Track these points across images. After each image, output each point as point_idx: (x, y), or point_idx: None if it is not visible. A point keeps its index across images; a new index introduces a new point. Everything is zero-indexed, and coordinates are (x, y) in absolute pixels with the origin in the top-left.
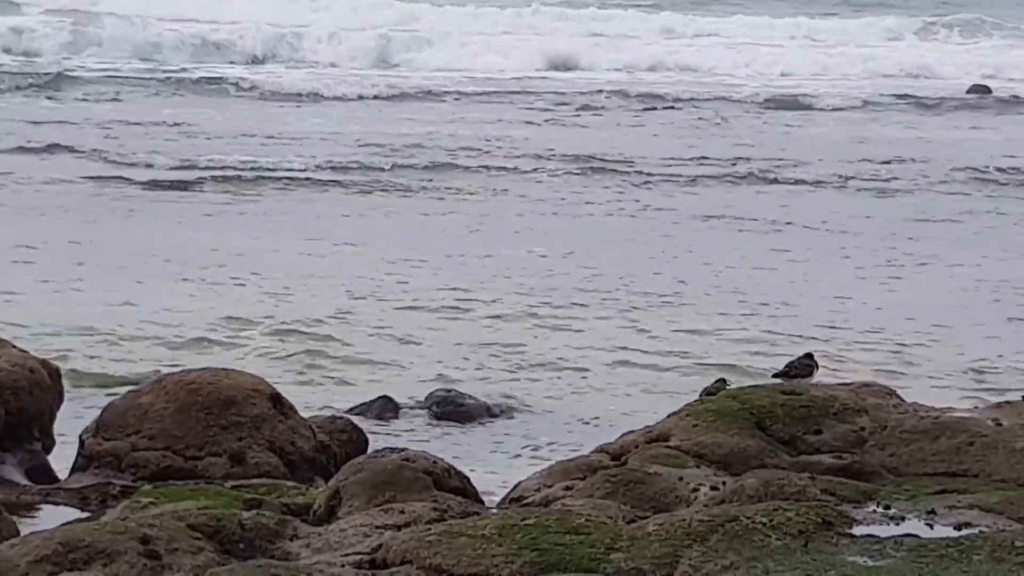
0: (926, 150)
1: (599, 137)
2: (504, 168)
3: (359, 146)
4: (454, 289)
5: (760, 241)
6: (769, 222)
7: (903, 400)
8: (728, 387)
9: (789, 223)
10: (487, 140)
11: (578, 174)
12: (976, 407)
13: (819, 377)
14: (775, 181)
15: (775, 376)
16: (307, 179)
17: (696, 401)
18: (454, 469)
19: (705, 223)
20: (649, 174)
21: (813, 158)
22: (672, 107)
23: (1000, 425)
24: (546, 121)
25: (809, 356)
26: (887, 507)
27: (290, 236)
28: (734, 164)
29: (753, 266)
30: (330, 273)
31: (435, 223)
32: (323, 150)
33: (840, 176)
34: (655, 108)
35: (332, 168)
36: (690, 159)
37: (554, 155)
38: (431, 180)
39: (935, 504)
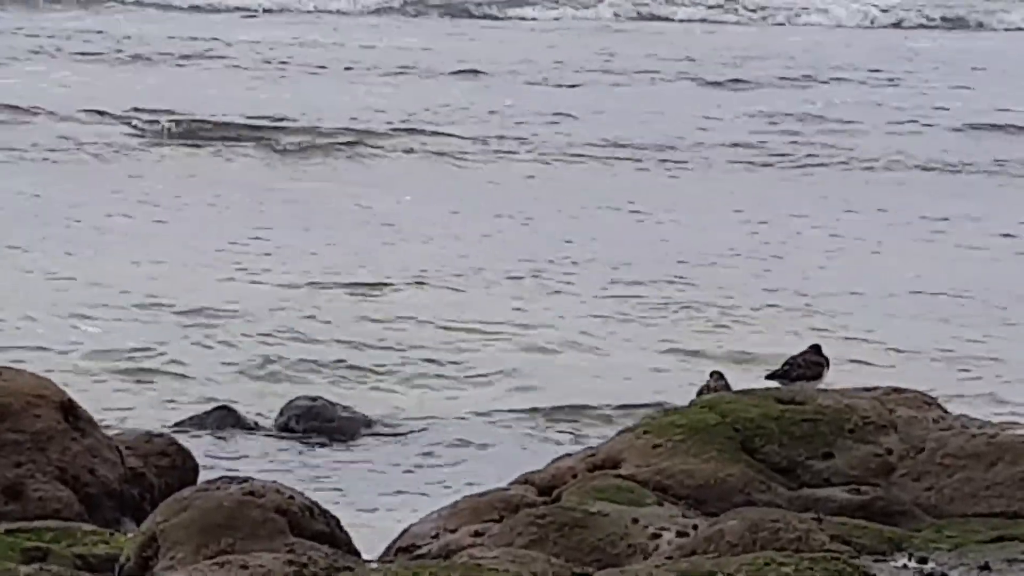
0: None
1: None
2: None
3: None
4: (336, 272)
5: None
6: None
7: (946, 412)
8: (722, 388)
9: None
10: None
11: None
12: None
13: (831, 379)
14: None
15: (770, 377)
16: None
17: (659, 412)
18: (318, 507)
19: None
20: None
21: None
22: None
23: None
24: None
25: (816, 349)
26: (922, 560)
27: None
28: None
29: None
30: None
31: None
32: None
33: None
34: None
35: None
36: None
37: None
38: None
39: (990, 556)
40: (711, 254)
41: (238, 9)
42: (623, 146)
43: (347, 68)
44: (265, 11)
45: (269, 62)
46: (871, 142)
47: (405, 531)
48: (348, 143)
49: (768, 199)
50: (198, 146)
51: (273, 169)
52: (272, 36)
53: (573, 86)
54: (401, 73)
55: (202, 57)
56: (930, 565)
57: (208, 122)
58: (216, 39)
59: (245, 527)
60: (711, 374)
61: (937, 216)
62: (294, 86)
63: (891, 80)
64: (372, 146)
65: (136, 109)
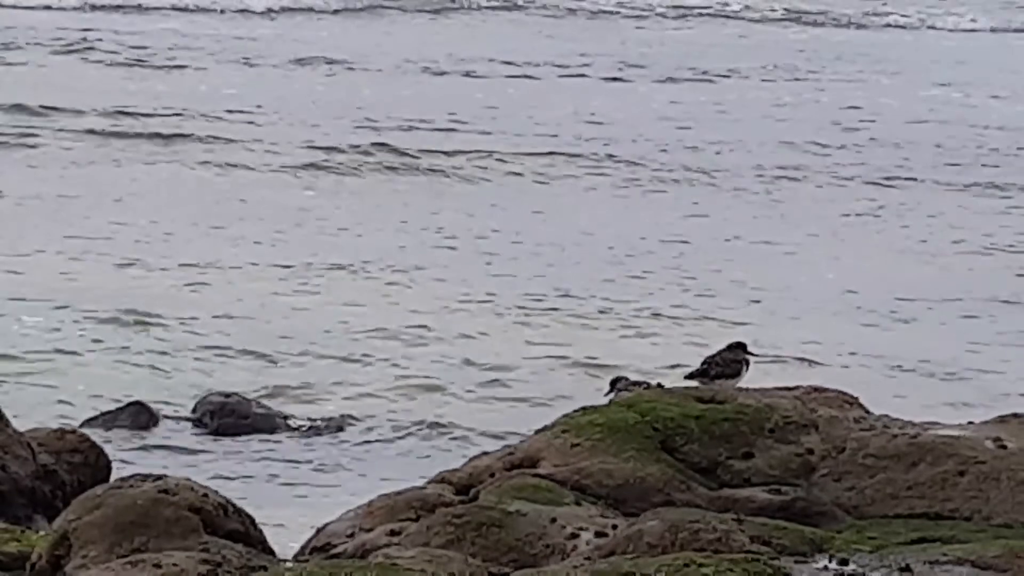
0: None
1: None
2: None
3: None
4: (254, 264)
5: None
6: None
7: (868, 411)
8: (631, 389)
9: None
10: None
11: None
12: (971, 422)
13: (751, 378)
14: None
15: (689, 377)
16: None
17: (578, 411)
18: (233, 505)
19: None
20: None
21: None
22: None
23: (1004, 448)
24: None
25: (739, 347)
26: (843, 562)
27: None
28: None
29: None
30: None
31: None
32: None
33: None
34: None
35: None
36: None
37: None
38: None
39: (911, 558)
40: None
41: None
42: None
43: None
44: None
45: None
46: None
47: (320, 530)
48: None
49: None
50: None
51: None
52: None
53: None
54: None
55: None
56: (851, 567)
57: None
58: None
59: (158, 525)
60: (617, 380)
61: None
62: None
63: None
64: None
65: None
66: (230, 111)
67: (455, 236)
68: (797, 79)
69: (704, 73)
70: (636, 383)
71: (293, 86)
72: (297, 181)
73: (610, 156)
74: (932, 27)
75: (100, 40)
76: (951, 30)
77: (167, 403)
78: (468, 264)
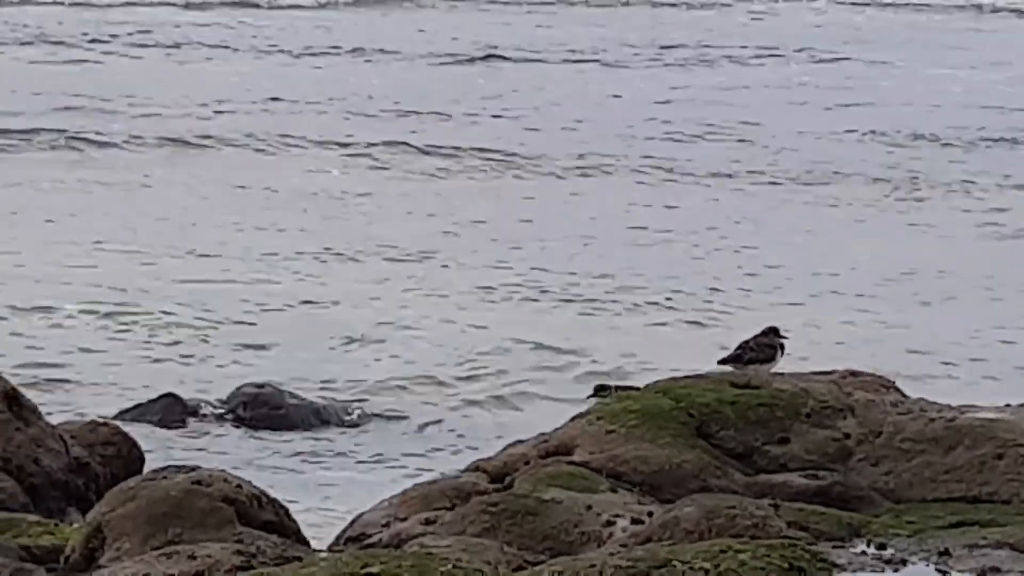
0: None
1: None
2: None
3: None
4: (283, 259)
5: None
6: None
7: (905, 395)
8: (612, 392)
9: None
10: None
11: None
12: (1008, 404)
13: (785, 363)
14: None
15: (723, 362)
16: None
17: (613, 397)
18: (267, 496)
19: None
20: None
21: None
22: None
23: None
24: None
25: (772, 331)
26: (882, 546)
27: None
28: None
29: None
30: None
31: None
32: None
33: None
34: None
35: None
36: None
37: None
38: None
39: (949, 542)
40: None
41: None
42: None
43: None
44: None
45: None
46: None
47: (355, 520)
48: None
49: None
50: None
51: None
52: None
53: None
54: None
55: None
56: (889, 551)
57: None
58: None
59: (192, 517)
60: (598, 387)
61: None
62: None
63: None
64: None
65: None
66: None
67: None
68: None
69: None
70: (622, 387)
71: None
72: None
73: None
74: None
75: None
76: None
77: (200, 395)
78: (505, 253)
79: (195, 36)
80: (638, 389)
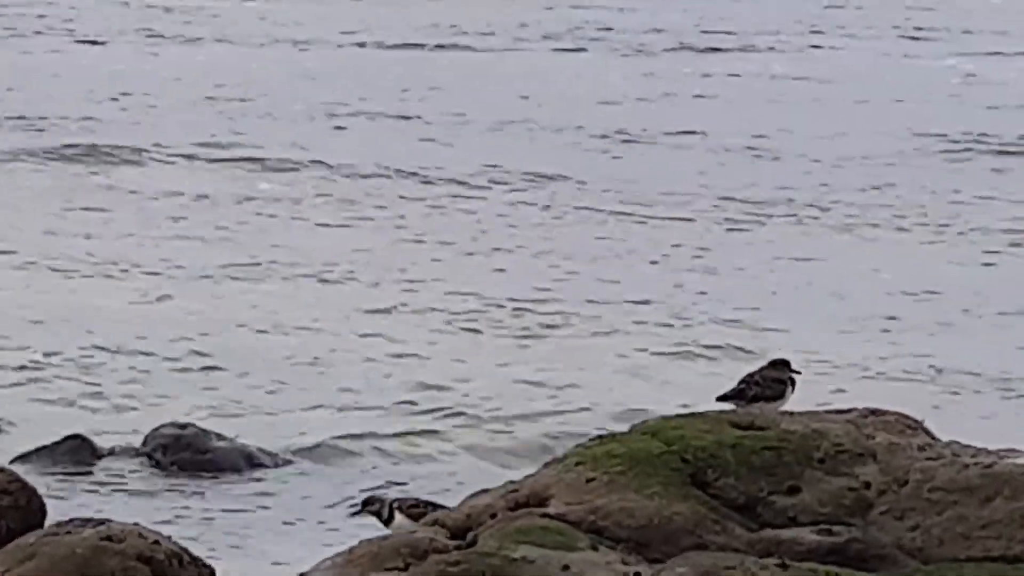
0: None
1: None
2: None
3: None
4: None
5: None
6: None
7: (934, 437)
8: (382, 512)
9: None
10: None
11: None
12: None
13: (796, 399)
14: None
15: (722, 399)
16: None
17: (593, 440)
18: (189, 554)
19: None
20: None
21: None
22: None
23: None
24: None
25: (782, 364)
26: None
27: None
28: None
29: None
30: None
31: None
32: None
33: None
34: None
35: None
36: None
37: None
38: None
39: None
40: None
41: None
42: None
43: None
44: None
45: None
46: None
47: None
48: None
49: None
50: None
51: None
52: None
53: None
54: None
55: None
56: None
57: None
58: None
59: None
60: (366, 501)
61: None
62: None
63: None
64: None
65: None
66: None
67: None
68: None
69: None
70: (415, 504)
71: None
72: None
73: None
74: None
75: None
76: None
77: (111, 436)
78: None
79: None
80: (427, 507)
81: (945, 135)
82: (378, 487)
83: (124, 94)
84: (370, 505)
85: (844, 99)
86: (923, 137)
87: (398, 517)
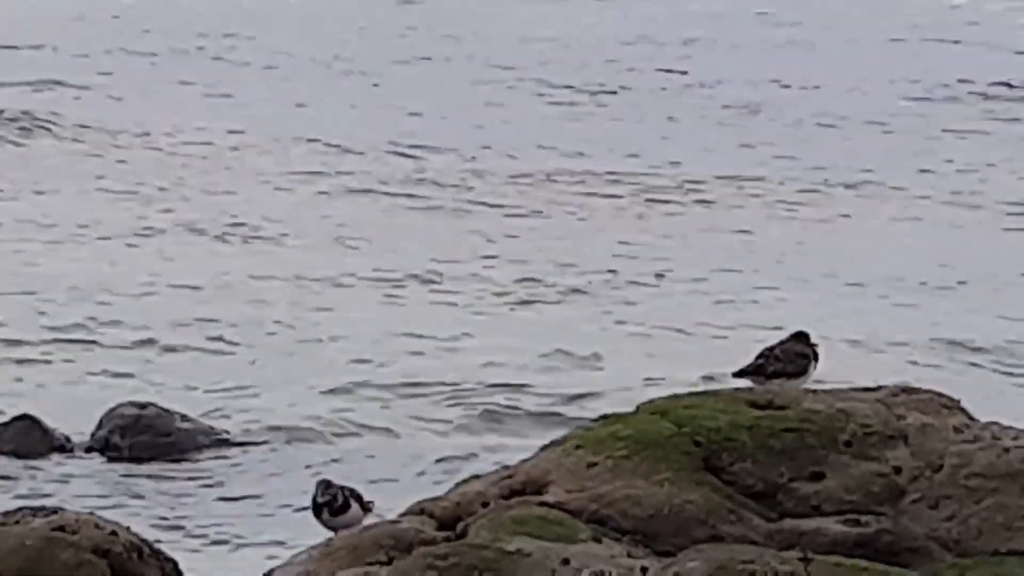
0: None
1: None
2: None
3: None
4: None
5: None
6: None
7: (972, 418)
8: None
9: None
10: None
11: None
12: None
13: (820, 375)
14: None
15: (739, 375)
16: None
17: (597, 421)
18: (150, 546)
19: None
20: None
21: None
22: None
23: None
24: None
25: (802, 337)
26: None
27: None
28: None
29: None
30: None
31: None
32: None
33: None
34: None
35: None
36: None
37: None
38: None
39: None
40: None
41: None
42: None
43: None
44: None
45: None
46: None
47: None
48: None
49: None
50: None
51: None
52: None
53: None
54: None
55: None
56: None
57: None
58: None
59: (54, 572)
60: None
61: None
62: None
63: None
64: None
65: None
66: None
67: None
68: None
69: None
70: (349, 493)
71: None
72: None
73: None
74: None
75: None
76: None
77: (65, 417)
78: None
79: None
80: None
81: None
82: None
83: None
84: (328, 489)
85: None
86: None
87: (353, 508)
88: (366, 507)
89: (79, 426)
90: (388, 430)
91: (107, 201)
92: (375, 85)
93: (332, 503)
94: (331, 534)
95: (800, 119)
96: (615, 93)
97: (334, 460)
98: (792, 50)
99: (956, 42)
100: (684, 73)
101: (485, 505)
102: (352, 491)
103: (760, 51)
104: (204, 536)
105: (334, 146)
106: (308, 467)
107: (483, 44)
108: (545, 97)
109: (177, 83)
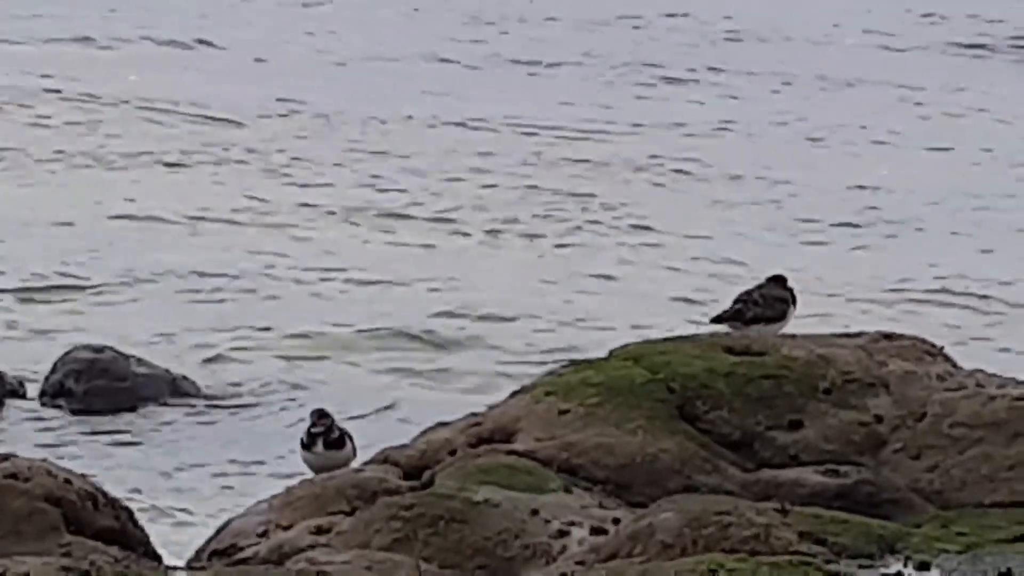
0: None
1: None
2: None
3: None
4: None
5: None
6: None
7: (956, 366)
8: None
9: None
10: None
11: None
12: None
13: (797, 321)
14: None
15: (717, 320)
16: None
17: (567, 366)
18: (105, 495)
19: None
20: None
21: None
22: None
23: None
24: None
25: (779, 281)
26: (923, 566)
27: None
28: None
29: None
30: None
31: None
32: None
33: None
34: None
35: None
36: None
37: None
38: None
39: (1013, 560)
40: None
41: None
42: None
43: None
44: None
45: None
46: None
47: (223, 527)
48: None
49: None
50: None
51: None
52: None
53: None
54: None
55: None
56: (934, 572)
57: None
58: None
59: (5, 521)
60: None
61: None
62: None
63: None
64: None
65: None
66: None
67: None
68: None
69: None
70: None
71: None
72: None
73: None
74: None
75: None
76: None
77: (16, 363)
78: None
79: None
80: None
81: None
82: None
83: None
84: (323, 418)
85: None
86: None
87: (348, 447)
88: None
89: (30, 369)
90: (356, 378)
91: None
92: None
93: (328, 434)
94: (310, 474)
95: None
96: None
97: (303, 408)
98: None
99: None
100: None
101: (452, 453)
102: (346, 431)
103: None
104: (160, 485)
105: None
106: (270, 415)
107: None
108: None
109: None
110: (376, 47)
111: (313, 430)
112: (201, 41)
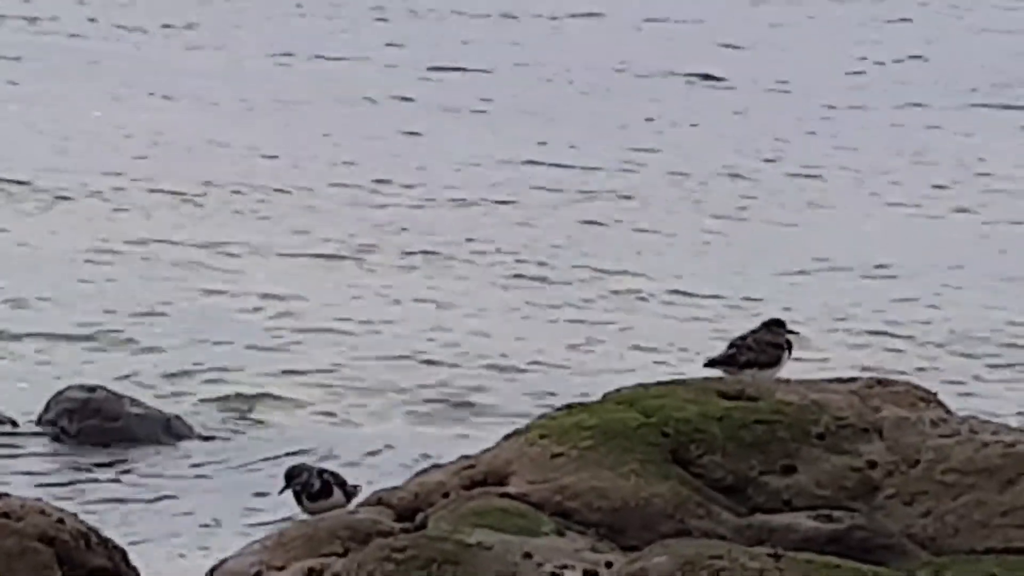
0: None
1: None
2: None
3: None
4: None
5: None
6: None
7: (949, 412)
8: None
9: None
10: None
11: None
12: None
13: (793, 366)
14: None
15: (711, 364)
16: None
17: (561, 410)
18: (98, 534)
19: None
20: None
21: None
22: None
23: None
24: None
25: (776, 325)
26: None
27: None
28: None
29: None
30: None
31: None
32: None
33: None
34: None
35: None
36: None
37: None
38: None
39: None
40: None
41: None
42: None
43: None
44: None
45: None
46: None
47: (215, 568)
48: None
49: None
50: None
51: None
52: None
53: None
54: None
55: None
56: None
57: None
58: None
59: None
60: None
61: None
62: None
63: None
64: None
65: None
66: None
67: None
68: None
69: None
70: (327, 474)
71: None
72: None
73: None
74: None
75: None
76: None
77: (8, 401)
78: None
79: None
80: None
81: None
82: (311, 460)
83: None
84: (296, 477)
85: None
86: None
87: (336, 493)
88: (350, 492)
89: (26, 409)
90: (350, 421)
91: None
92: None
93: (308, 489)
94: (286, 524)
95: None
96: None
97: (297, 451)
98: None
99: None
100: None
101: (445, 496)
102: (334, 475)
103: None
104: (153, 524)
105: None
106: (263, 456)
107: None
108: None
109: None
110: None
111: (295, 488)
112: None
